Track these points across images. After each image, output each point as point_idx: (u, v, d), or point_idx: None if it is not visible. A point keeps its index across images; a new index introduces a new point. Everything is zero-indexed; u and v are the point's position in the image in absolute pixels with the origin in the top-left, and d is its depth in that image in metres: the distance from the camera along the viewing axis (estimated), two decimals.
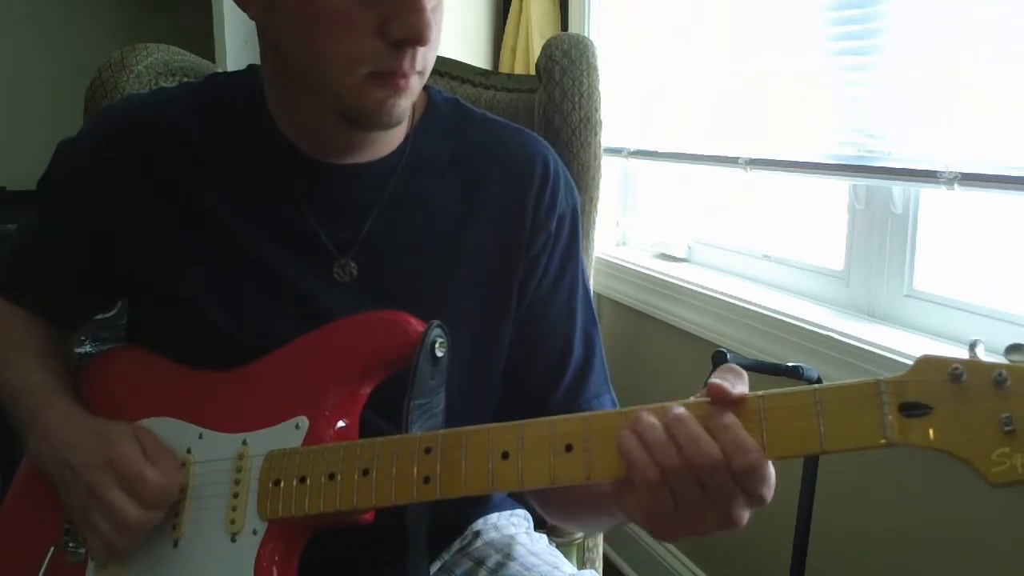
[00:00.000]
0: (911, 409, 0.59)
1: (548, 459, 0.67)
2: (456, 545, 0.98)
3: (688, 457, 0.61)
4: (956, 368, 0.58)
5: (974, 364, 0.59)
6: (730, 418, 0.62)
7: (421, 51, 0.77)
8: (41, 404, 0.85)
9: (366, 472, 0.72)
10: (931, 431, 0.59)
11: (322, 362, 0.80)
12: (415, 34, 0.75)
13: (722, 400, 0.63)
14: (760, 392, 0.64)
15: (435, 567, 0.96)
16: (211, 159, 0.87)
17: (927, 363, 0.60)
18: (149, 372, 0.87)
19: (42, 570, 0.82)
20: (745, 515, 0.64)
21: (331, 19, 0.75)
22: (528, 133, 0.96)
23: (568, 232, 0.93)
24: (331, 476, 0.73)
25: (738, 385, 0.64)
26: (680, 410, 0.64)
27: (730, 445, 0.61)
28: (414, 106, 0.90)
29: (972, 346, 0.60)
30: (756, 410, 0.63)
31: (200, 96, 0.90)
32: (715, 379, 0.64)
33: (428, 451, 0.71)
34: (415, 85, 0.80)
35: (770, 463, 0.62)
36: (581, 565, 1.23)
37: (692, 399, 0.66)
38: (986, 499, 1.11)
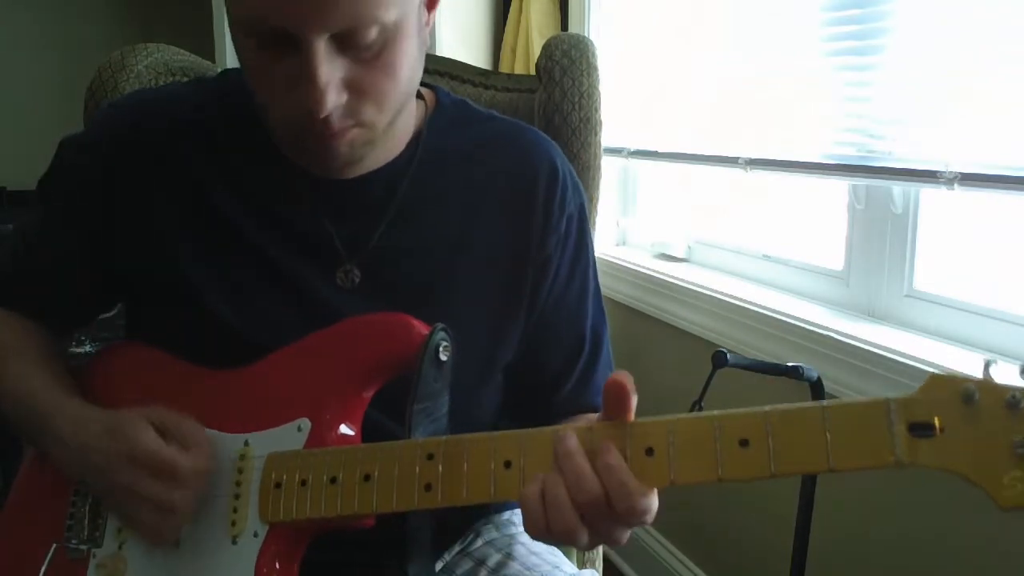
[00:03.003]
0: (921, 429, 0.57)
1: (550, 468, 0.66)
2: (457, 546, 0.98)
3: (571, 491, 0.64)
4: (968, 388, 0.57)
5: (987, 385, 0.56)
6: (616, 458, 0.64)
7: (344, 109, 0.74)
8: (50, 409, 0.82)
9: (367, 477, 0.71)
10: (941, 452, 0.57)
11: (325, 364, 0.79)
12: (306, 106, 0.72)
13: (622, 408, 0.65)
14: (767, 407, 0.62)
15: (436, 567, 0.96)
16: (216, 157, 0.86)
17: (938, 382, 0.58)
18: (153, 369, 0.87)
19: (44, 567, 0.82)
20: (625, 535, 0.67)
21: (255, 74, 0.76)
22: (534, 132, 0.96)
23: (577, 231, 0.93)
24: (332, 480, 0.72)
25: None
26: (570, 444, 0.65)
27: (615, 486, 0.63)
28: (424, 105, 0.91)
29: (986, 365, 0.57)
30: (761, 424, 0.61)
31: (210, 93, 0.90)
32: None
33: (430, 457, 0.70)
34: (358, 134, 0.77)
35: (651, 497, 0.64)
36: (581, 565, 1.23)
37: (584, 424, 0.67)
38: (986, 502, 1.11)
